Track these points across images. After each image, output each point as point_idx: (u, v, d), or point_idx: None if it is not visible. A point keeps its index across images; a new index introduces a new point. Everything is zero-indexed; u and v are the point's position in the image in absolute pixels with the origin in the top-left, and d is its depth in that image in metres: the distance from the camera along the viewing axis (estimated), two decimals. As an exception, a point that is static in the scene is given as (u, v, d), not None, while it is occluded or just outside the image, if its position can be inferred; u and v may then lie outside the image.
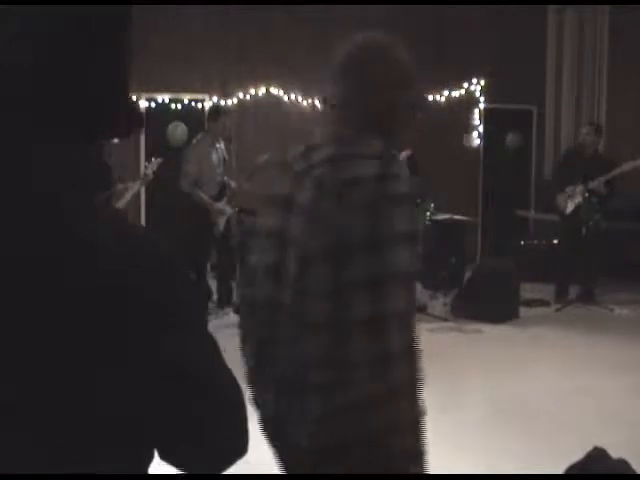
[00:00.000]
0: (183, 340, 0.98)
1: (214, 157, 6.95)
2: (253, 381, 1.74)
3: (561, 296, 7.62)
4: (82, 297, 0.90)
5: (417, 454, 1.68)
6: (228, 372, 1.07)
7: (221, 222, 6.93)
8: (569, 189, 7.49)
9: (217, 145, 7.00)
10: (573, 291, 7.65)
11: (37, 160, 0.93)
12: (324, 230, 1.52)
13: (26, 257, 0.89)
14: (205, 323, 1.05)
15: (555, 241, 8.46)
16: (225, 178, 7.02)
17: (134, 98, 8.43)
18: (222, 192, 6.96)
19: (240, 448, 1.09)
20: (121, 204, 6.46)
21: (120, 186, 6.61)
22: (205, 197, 6.85)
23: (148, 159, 7.15)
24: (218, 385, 1.04)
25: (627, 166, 7.25)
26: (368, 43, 1.77)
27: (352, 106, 1.68)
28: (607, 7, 9.33)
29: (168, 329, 0.95)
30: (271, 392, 1.68)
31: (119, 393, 0.94)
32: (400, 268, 1.49)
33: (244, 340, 1.76)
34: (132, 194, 6.54)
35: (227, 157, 7.10)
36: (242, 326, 1.79)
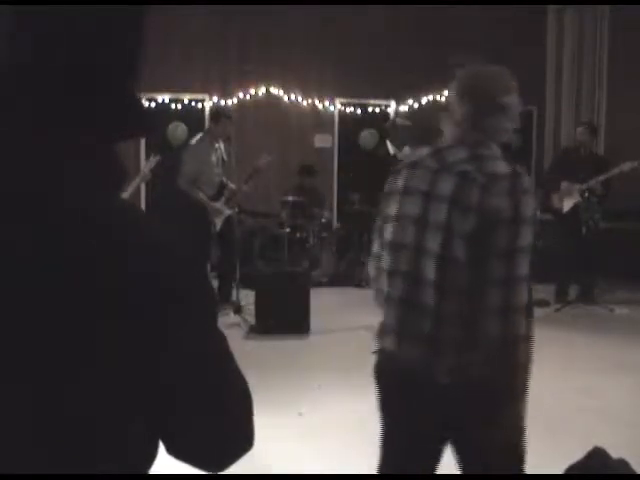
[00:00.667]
0: (196, 329, 0.99)
1: (213, 157, 6.95)
2: (396, 305, 2.20)
3: (561, 296, 7.62)
4: (107, 292, 0.91)
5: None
6: (236, 366, 1.07)
7: (218, 222, 6.94)
8: (564, 185, 7.48)
9: (216, 145, 7.00)
10: (573, 291, 7.65)
11: (53, 160, 0.94)
12: (467, 212, 1.99)
13: (49, 255, 0.90)
14: (215, 316, 1.06)
15: (555, 241, 8.45)
16: (224, 178, 7.03)
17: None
18: (220, 192, 6.96)
19: (246, 442, 1.09)
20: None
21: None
22: (203, 196, 6.85)
23: (148, 159, 7.16)
24: (226, 377, 1.05)
25: (625, 166, 7.25)
26: (484, 73, 2.24)
27: (473, 121, 2.16)
28: (607, 7, 9.34)
29: (182, 318, 0.97)
30: (419, 320, 2.11)
31: (129, 378, 0.95)
32: (528, 242, 2.00)
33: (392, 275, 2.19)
34: (130, 192, 6.54)
35: (226, 158, 7.10)
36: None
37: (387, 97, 9.96)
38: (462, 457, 2.26)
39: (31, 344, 0.91)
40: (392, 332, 2.25)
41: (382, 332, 2.34)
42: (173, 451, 1.06)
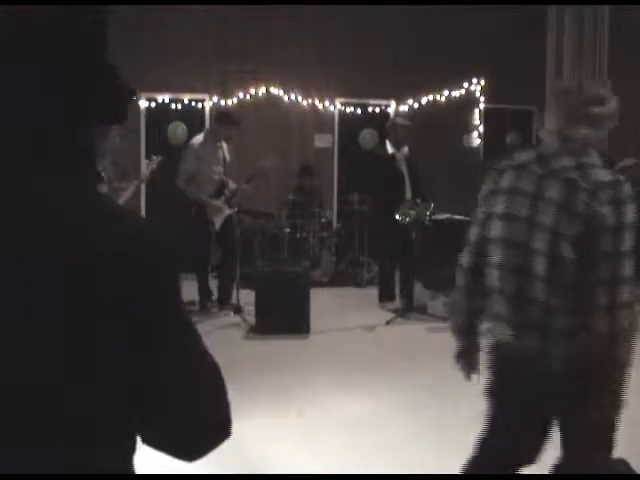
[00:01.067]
0: (164, 321, 1.00)
1: (213, 156, 6.95)
2: (508, 293, 2.33)
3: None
4: (73, 277, 0.93)
5: None
6: (208, 354, 1.08)
7: (218, 221, 6.93)
8: None
9: (217, 144, 6.99)
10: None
11: (25, 156, 0.96)
12: (574, 217, 2.18)
13: (21, 239, 0.93)
14: (181, 306, 1.06)
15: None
16: (224, 178, 7.02)
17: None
18: (220, 191, 6.95)
19: (222, 428, 1.10)
20: (120, 202, 6.48)
21: (120, 185, 6.64)
22: (201, 195, 6.85)
23: (148, 158, 7.16)
24: (198, 364, 1.06)
25: (625, 164, 7.26)
26: (577, 86, 2.47)
27: (570, 131, 2.36)
28: (607, 7, 9.33)
29: (148, 307, 0.98)
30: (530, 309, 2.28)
31: (109, 372, 0.96)
32: (630, 246, 2.19)
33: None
34: (131, 192, 6.55)
35: (228, 157, 7.10)
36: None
37: (387, 97, 9.95)
38: (566, 435, 2.56)
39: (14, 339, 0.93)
40: (505, 323, 2.39)
41: (494, 322, 2.47)
42: (148, 440, 1.07)
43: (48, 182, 0.95)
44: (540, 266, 2.23)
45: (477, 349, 2.64)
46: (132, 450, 1.08)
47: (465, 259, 2.54)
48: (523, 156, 2.42)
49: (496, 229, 2.39)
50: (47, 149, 0.97)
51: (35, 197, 0.94)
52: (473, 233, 2.54)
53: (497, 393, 2.66)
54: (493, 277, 2.40)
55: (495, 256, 2.37)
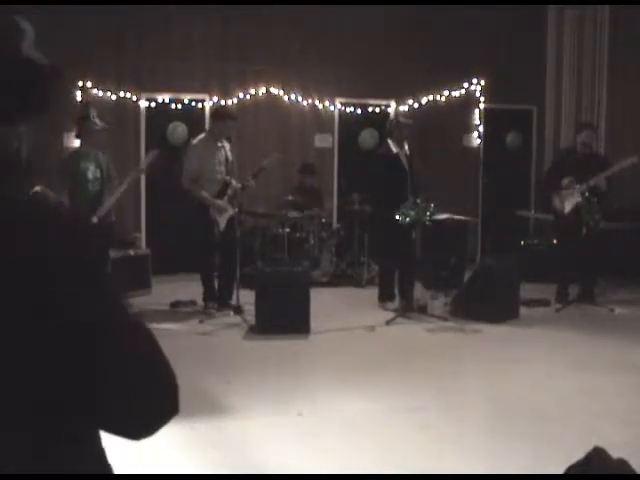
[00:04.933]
0: (95, 302, 1.01)
1: (215, 156, 6.95)
2: None
3: (561, 296, 7.61)
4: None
5: None
6: (141, 330, 1.07)
7: (222, 221, 6.92)
8: (565, 186, 7.46)
9: (219, 144, 7.00)
10: (573, 291, 7.65)
11: None
12: None
13: None
14: (108, 281, 1.07)
15: (554, 241, 8.46)
16: (227, 177, 7.01)
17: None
18: (223, 191, 6.95)
19: (169, 403, 1.09)
20: (113, 199, 6.49)
21: (117, 182, 6.65)
22: (205, 194, 6.85)
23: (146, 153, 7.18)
24: (130, 341, 1.05)
25: (625, 163, 7.25)
26: None
27: None
28: (607, 7, 9.33)
29: (76, 290, 0.99)
30: None
31: (41, 360, 0.97)
32: None
33: None
34: (125, 187, 6.56)
35: (230, 157, 7.10)
36: None
37: (387, 97, 9.95)
38: None
39: None
40: None
41: None
42: (102, 424, 1.07)
43: None
44: None
45: None
46: (95, 442, 1.08)
47: None
48: None
49: None
50: None
51: None
52: None
53: None
54: None
55: None
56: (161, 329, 6.02)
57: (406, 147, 7.29)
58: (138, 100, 9.05)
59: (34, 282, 0.96)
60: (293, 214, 8.52)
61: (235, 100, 9.32)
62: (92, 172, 6.45)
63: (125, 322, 1.05)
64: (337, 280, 8.60)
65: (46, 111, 1.04)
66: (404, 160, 7.22)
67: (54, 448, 1.00)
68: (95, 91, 8.79)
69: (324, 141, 9.84)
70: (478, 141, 10.21)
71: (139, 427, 1.08)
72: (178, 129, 9.20)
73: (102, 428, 1.07)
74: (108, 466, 1.11)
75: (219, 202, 6.88)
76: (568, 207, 7.50)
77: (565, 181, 7.49)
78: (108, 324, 1.02)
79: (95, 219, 6.30)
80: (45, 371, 0.97)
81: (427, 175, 7.75)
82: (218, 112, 7.26)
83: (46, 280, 0.96)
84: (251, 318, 6.54)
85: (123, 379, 1.02)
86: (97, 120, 6.49)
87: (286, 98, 9.55)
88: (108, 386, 1.02)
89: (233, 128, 7.17)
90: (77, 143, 6.87)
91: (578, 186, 7.38)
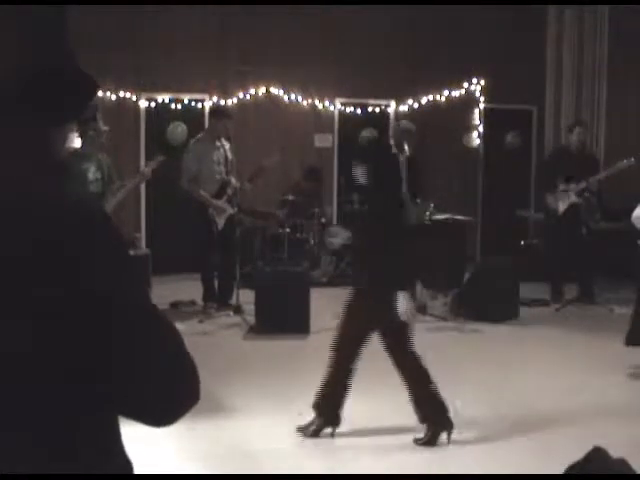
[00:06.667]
0: (116, 291, 1.03)
1: (214, 156, 6.95)
2: None
3: (556, 296, 7.60)
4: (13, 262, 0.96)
5: None
6: (164, 320, 1.09)
7: (220, 221, 6.92)
8: (561, 186, 7.46)
9: (218, 144, 7.00)
10: (571, 291, 7.65)
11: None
12: None
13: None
14: (136, 277, 1.10)
15: (544, 240, 8.45)
16: (226, 177, 7.02)
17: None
18: (222, 190, 6.95)
19: (190, 389, 1.10)
20: (115, 202, 6.46)
21: (118, 184, 6.62)
22: (204, 194, 6.85)
23: (148, 159, 7.16)
24: (155, 329, 1.07)
25: (622, 164, 7.26)
26: None
27: None
28: (607, 7, 9.33)
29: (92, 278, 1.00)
30: None
31: (61, 344, 0.98)
32: None
33: None
34: (127, 190, 6.53)
35: (230, 156, 7.10)
36: None
37: (387, 97, 9.95)
38: None
39: None
40: None
41: None
42: (121, 409, 1.08)
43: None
44: None
45: None
46: (114, 430, 1.08)
47: None
48: None
49: None
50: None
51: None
52: None
53: None
54: None
55: None
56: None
57: (406, 149, 7.28)
58: (138, 100, 9.05)
59: (79, 274, 0.98)
60: (293, 214, 8.52)
61: (235, 100, 9.32)
62: (93, 173, 6.43)
63: (149, 307, 1.07)
64: (337, 280, 8.60)
65: (81, 116, 1.08)
66: (403, 161, 7.22)
67: (75, 435, 1.02)
68: (95, 91, 8.79)
69: (324, 141, 9.84)
70: (478, 141, 10.21)
71: (161, 412, 1.09)
72: (178, 129, 9.20)
73: (123, 413, 1.08)
74: (126, 461, 1.12)
75: (217, 202, 6.88)
76: (562, 207, 7.49)
77: (561, 185, 7.49)
78: (137, 307, 1.05)
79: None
80: (77, 350, 0.99)
81: (427, 176, 7.74)
82: (215, 112, 7.30)
83: (90, 271, 0.99)
84: (251, 318, 6.54)
85: (147, 361, 1.04)
86: (101, 123, 6.48)
87: (286, 98, 9.55)
88: (132, 368, 1.03)
89: (230, 125, 7.18)
90: (78, 143, 6.87)
91: (573, 186, 7.38)
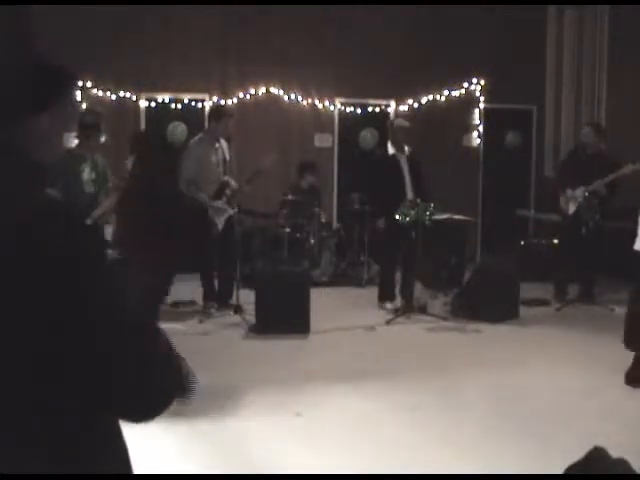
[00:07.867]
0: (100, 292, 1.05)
1: (213, 156, 6.95)
2: None
3: (560, 295, 7.62)
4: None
5: None
6: (137, 320, 1.10)
7: (219, 222, 6.92)
8: (569, 192, 7.51)
9: (217, 145, 7.00)
10: (572, 290, 7.65)
11: None
12: None
13: None
14: (105, 269, 1.10)
15: (555, 241, 8.46)
16: (226, 178, 7.01)
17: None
18: (221, 191, 6.94)
19: (164, 389, 1.11)
20: (108, 202, 6.41)
21: (111, 184, 6.59)
22: (203, 196, 6.84)
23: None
24: (134, 326, 1.08)
25: (627, 169, 7.25)
26: None
27: None
28: (607, 7, 9.33)
29: (71, 281, 1.02)
30: None
31: (41, 342, 1.00)
32: None
33: None
34: (113, 195, 6.46)
35: (228, 157, 7.10)
36: None
37: (387, 97, 9.95)
38: None
39: None
40: None
41: None
42: (104, 406, 1.09)
43: None
44: None
45: None
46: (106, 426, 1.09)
47: None
48: None
49: None
50: None
51: None
52: None
53: None
54: None
55: None
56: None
57: (406, 149, 7.28)
58: (138, 100, 9.05)
59: (55, 278, 1.00)
60: (293, 214, 8.52)
61: (235, 100, 9.33)
62: (87, 173, 6.41)
63: (120, 307, 1.09)
64: (337, 280, 8.61)
65: (45, 110, 1.06)
66: (403, 161, 7.22)
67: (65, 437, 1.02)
68: (95, 91, 8.79)
69: (324, 141, 9.84)
70: (478, 141, 10.21)
71: (133, 409, 1.10)
72: (178, 129, 9.21)
73: (107, 410, 1.09)
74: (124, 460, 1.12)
75: (216, 203, 6.88)
76: (572, 208, 7.53)
77: (570, 189, 7.52)
78: (109, 307, 1.06)
79: (89, 221, 6.26)
80: (49, 347, 1.01)
81: (428, 176, 7.75)
82: (215, 113, 7.26)
83: (65, 275, 1.00)
84: (251, 318, 6.54)
85: (116, 359, 1.05)
86: (103, 137, 6.47)
87: (286, 98, 9.55)
88: (99, 365, 1.05)
89: (231, 125, 7.18)
90: (74, 144, 6.85)
91: (582, 188, 7.40)
